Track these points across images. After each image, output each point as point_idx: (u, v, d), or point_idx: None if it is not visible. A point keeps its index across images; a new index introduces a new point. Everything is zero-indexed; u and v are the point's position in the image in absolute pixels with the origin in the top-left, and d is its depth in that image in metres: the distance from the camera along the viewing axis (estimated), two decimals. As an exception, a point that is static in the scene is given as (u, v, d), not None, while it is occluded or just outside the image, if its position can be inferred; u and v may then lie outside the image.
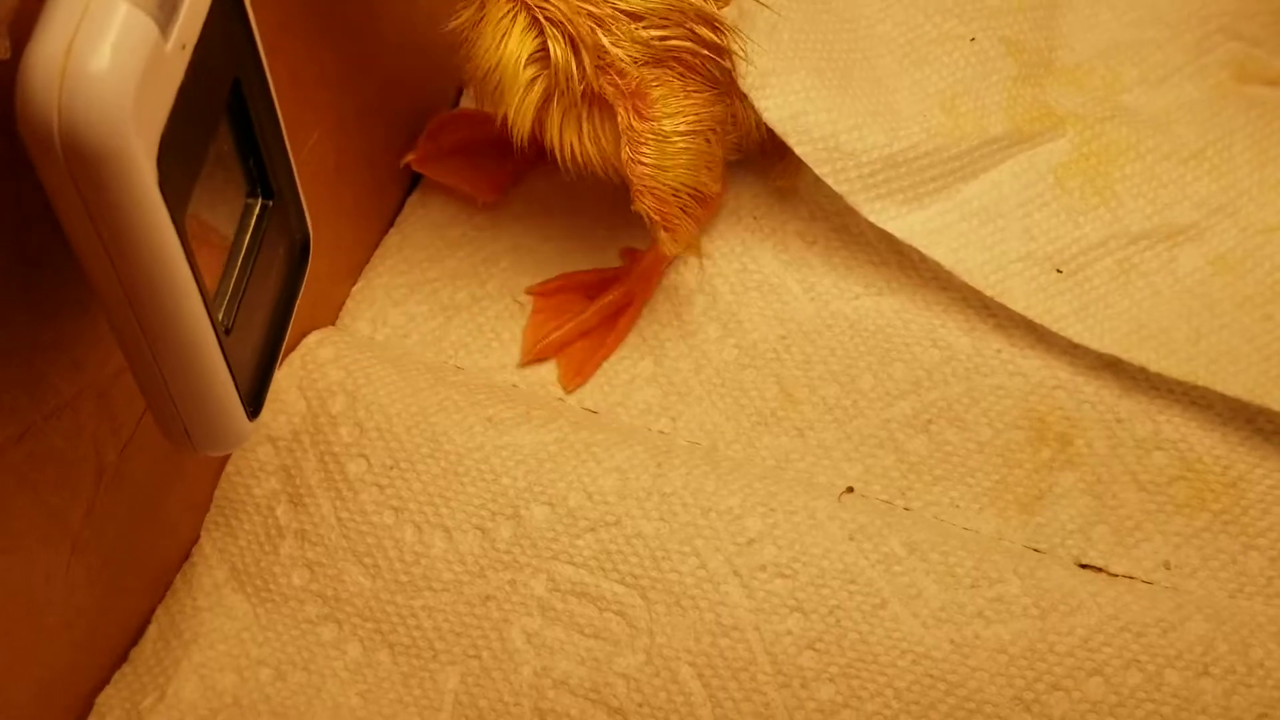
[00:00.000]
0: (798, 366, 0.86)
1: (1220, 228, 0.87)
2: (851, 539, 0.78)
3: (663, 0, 0.77)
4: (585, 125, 0.79)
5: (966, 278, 0.85)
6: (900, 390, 0.85)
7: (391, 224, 0.93)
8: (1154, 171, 0.88)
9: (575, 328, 0.87)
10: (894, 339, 0.86)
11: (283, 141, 0.62)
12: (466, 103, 0.97)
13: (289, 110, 0.72)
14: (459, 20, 0.77)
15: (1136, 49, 0.95)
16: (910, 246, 0.86)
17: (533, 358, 0.87)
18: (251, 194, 0.62)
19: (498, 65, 0.76)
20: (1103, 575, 0.79)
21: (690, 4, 0.78)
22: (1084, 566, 0.79)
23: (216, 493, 0.82)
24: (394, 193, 0.93)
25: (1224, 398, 0.82)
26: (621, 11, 0.76)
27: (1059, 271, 0.85)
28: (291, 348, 0.85)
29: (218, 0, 0.51)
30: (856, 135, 0.85)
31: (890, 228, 0.85)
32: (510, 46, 0.76)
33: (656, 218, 0.81)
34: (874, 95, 0.87)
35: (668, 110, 0.79)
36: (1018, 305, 0.84)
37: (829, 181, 0.85)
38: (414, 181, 0.94)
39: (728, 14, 0.81)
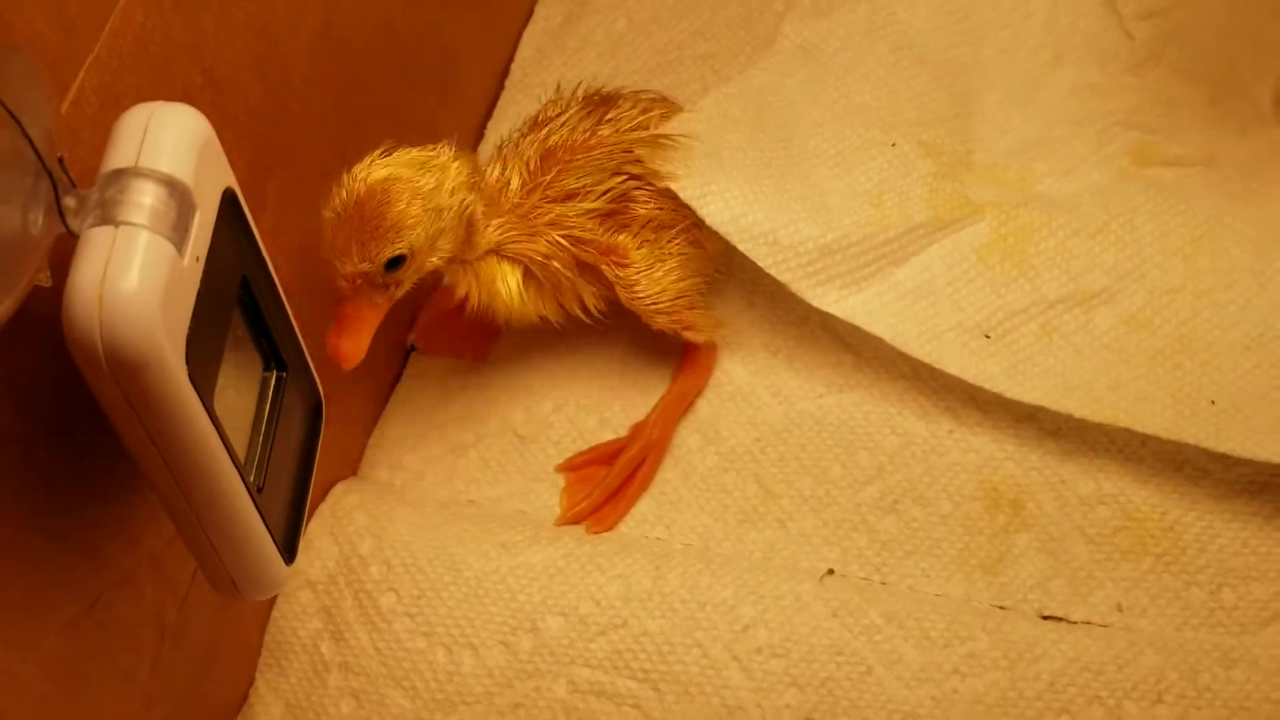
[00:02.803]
0: (773, 465, 0.94)
1: (1129, 291, 0.94)
2: (835, 615, 0.86)
3: (588, 165, 0.89)
4: (584, 292, 0.92)
5: (904, 348, 0.92)
6: (867, 476, 0.93)
7: (398, 378, 1.02)
8: (1066, 246, 0.96)
9: (602, 493, 0.95)
10: (856, 430, 0.94)
11: (290, 321, 0.71)
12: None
13: (295, 289, 0.81)
14: (460, 290, 0.90)
15: (1046, 145, 1.03)
16: (862, 345, 0.95)
17: (568, 521, 0.94)
18: (268, 368, 0.71)
19: (502, 303, 0.90)
20: (1063, 623, 0.86)
21: (610, 155, 0.90)
22: (1046, 618, 0.87)
23: (266, 637, 0.90)
24: (398, 351, 1.03)
25: (1155, 452, 0.90)
26: (561, 200, 0.89)
27: (987, 337, 0.93)
28: (320, 499, 0.94)
29: (222, 216, 0.60)
30: (793, 229, 0.92)
31: (832, 310, 0.93)
32: (508, 287, 0.90)
33: (675, 327, 0.93)
34: (807, 197, 0.94)
35: (638, 249, 0.90)
36: (952, 369, 0.92)
37: (772, 273, 0.92)
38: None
39: (666, 151, 0.91)
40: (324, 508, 0.93)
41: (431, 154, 0.83)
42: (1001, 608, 0.87)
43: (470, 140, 1.12)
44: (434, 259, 0.84)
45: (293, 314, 0.71)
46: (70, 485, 0.64)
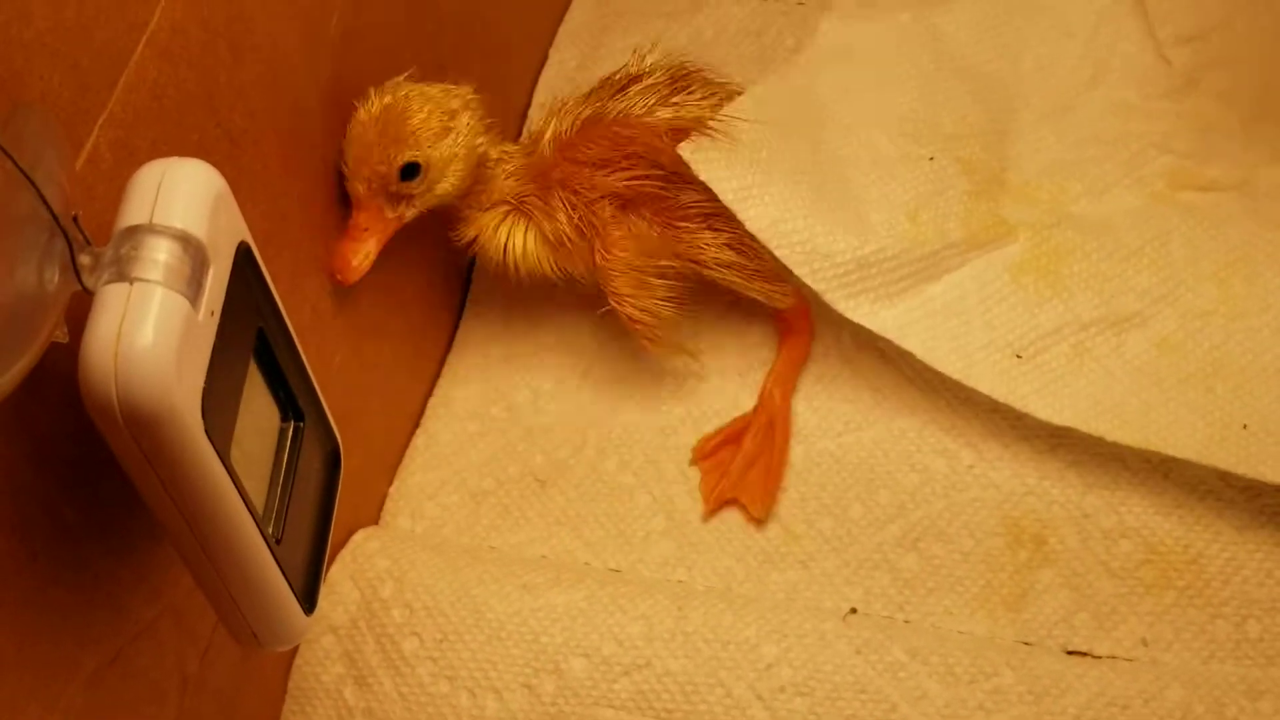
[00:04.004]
0: (794, 505, 0.94)
1: (1162, 314, 0.94)
2: (859, 653, 0.85)
3: (614, 143, 0.91)
4: (583, 261, 0.94)
5: (936, 365, 0.92)
6: (888, 514, 0.93)
7: (417, 424, 1.02)
8: (1099, 268, 0.96)
9: (740, 465, 0.95)
10: (876, 469, 0.94)
11: (305, 371, 0.71)
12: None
13: (313, 337, 0.82)
14: (466, 237, 0.94)
15: (1079, 166, 1.03)
16: (880, 382, 0.95)
17: (715, 507, 0.95)
18: (284, 418, 0.71)
19: (510, 255, 0.94)
20: (1088, 658, 0.86)
21: (647, 143, 0.91)
22: (1071, 653, 0.86)
23: (289, 684, 0.90)
24: (416, 397, 1.03)
25: (1178, 483, 0.90)
26: (585, 165, 0.92)
27: (1019, 357, 0.93)
28: (341, 545, 0.94)
29: (237, 269, 0.60)
30: (830, 239, 0.92)
31: (865, 323, 0.93)
32: (512, 239, 0.94)
33: (631, 326, 0.94)
34: (845, 205, 0.94)
35: (626, 250, 0.93)
36: (983, 387, 0.92)
37: (807, 281, 0.92)
38: (433, 384, 1.04)
39: (707, 147, 0.91)
40: (345, 553, 0.93)
41: (454, 88, 0.89)
42: (1026, 643, 0.87)
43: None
44: (445, 184, 0.89)
45: (308, 363, 0.71)
46: (91, 539, 0.64)
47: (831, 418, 0.97)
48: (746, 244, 0.93)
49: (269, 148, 0.77)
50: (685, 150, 0.91)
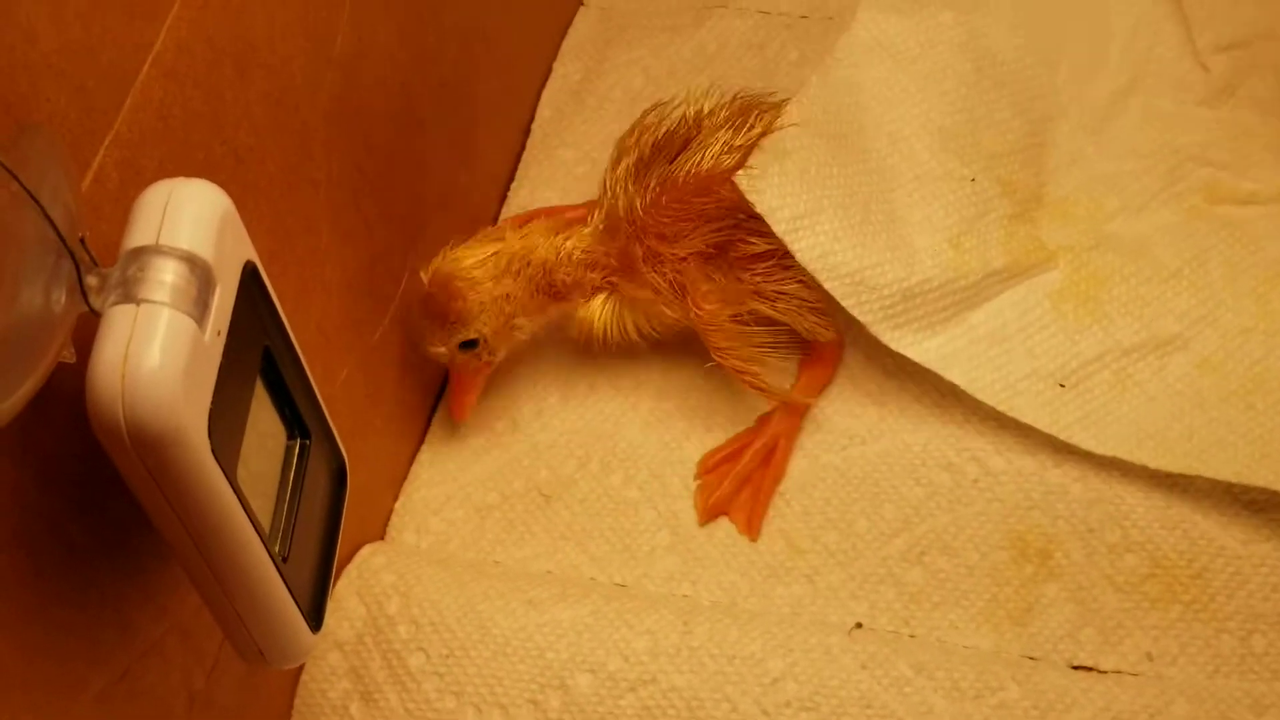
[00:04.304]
0: (799, 519, 0.94)
1: (1203, 335, 0.94)
2: (864, 668, 0.85)
3: (691, 210, 0.92)
4: (673, 315, 0.95)
5: (980, 396, 0.93)
6: (893, 528, 0.93)
7: (422, 440, 1.03)
8: (1139, 292, 0.96)
9: (734, 480, 0.96)
10: (881, 483, 0.94)
11: (311, 389, 0.71)
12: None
13: (318, 354, 0.82)
14: (573, 335, 0.98)
15: (1116, 180, 1.03)
16: (884, 396, 0.95)
17: (707, 518, 0.96)
18: (290, 436, 0.71)
19: (610, 336, 0.97)
20: (1094, 673, 0.86)
21: (721, 200, 0.92)
22: (1076, 668, 0.86)
23: (296, 700, 0.90)
24: (421, 412, 1.03)
25: (1182, 498, 0.90)
26: (666, 240, 0.93)
27: (1061, 386, 0.93)
28: (347, 560, 0.94)
29: (244, 288, 0.61)
30: (879, 271, 0.92)
31: (909, 353, 0.93)
32: (614, 326, 0.97)
33: (741, 381, 0.95)
34: (891, 230, 0.94)
35: (719, 301, 0.94)
36: (1027, 418, 0.92)
37: (855, 314, 0.92)
38: (437, 400, 1.04)
39: (760, 175, 0.91)
40: (350, 569, 0.94)
41: (495, 243, 0.93)
42: (1031, 658, 0.87)
43: (494, 201, 1.13)
44: (518, 334, 0.96)
45: (314, 380, 0.71)
46: (97, 558, 0.65)
47: (836, 432, 0.97)
48: (807, 278, 0.93)
49: (274, 166, 0.77)
50: (742, 182, 0.91)
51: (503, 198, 1.14)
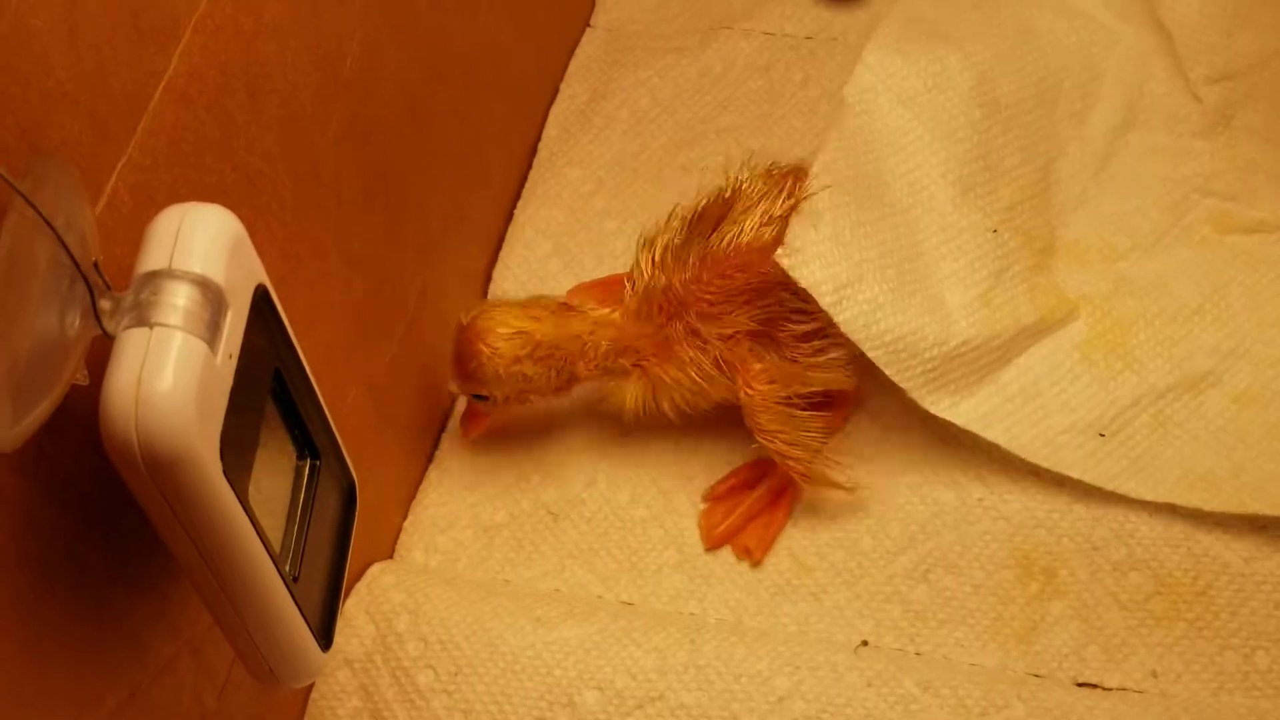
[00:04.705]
0: (804, 537, 0.95)
1: (1235, 369, 0.95)
2: (870, 685, 0.86)
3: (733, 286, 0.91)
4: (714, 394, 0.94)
5: (1022, 454, 0.93)
6: (898, 546, 0.93)
7: (430, 459, 1.03)
8: (1165, 333, 0.96)
9: (744, 513, 0.96)
10: (886, 501, 0.95)
11: (321, 410, 0.72)
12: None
13: (327, 376, 0.82)
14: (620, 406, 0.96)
15: (1124, 218, 1.04)
16: (889, 417, 0.96)
17: (713, 544, 0.96)
18: (300, 456, 0.72)
19: (648, 410, 0.95)
20: (1098, 690, 0.86)
21: (764, 274, 0.91)
22: (1081, 685, 0.87)
23: (306, 718, 0.91)
24: (430, 431, 1.04)
25: (1184, 516, 0.91)
26: (706, 319, 0.92)
27: (1102, 435, 0.93)
28: (356, 578, 0.94)
29: (255, 312, 0.61)
30: (918, 337, 0.92)
31: (947, 416, 0.93)
32: (649, 404, 0.95)
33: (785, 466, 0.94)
34: (926, 289, 0.94)
35: (769, 383, 0.92)
36: (1074, 472, 0.92)
37: (896, 380, 0.92)
38: (445, 420, 1.05)
39: (798, 248, 0.90)
40: (360, 586, 0.94)
41: (531, 322, 0.93)
42: (1036, 676, 0.88)
43: (501, 220, 1.14)
44: (530, 404, 0.97)
45: (324, 400, 0.72)
46: (111, 576, 0.65)
47: (841, 451, 0.97)
48: (844, 340, 0.92)
49: (285, 189, 0.78)
50: (783, 260, 0.89)
51: (509, 216, 1.14)
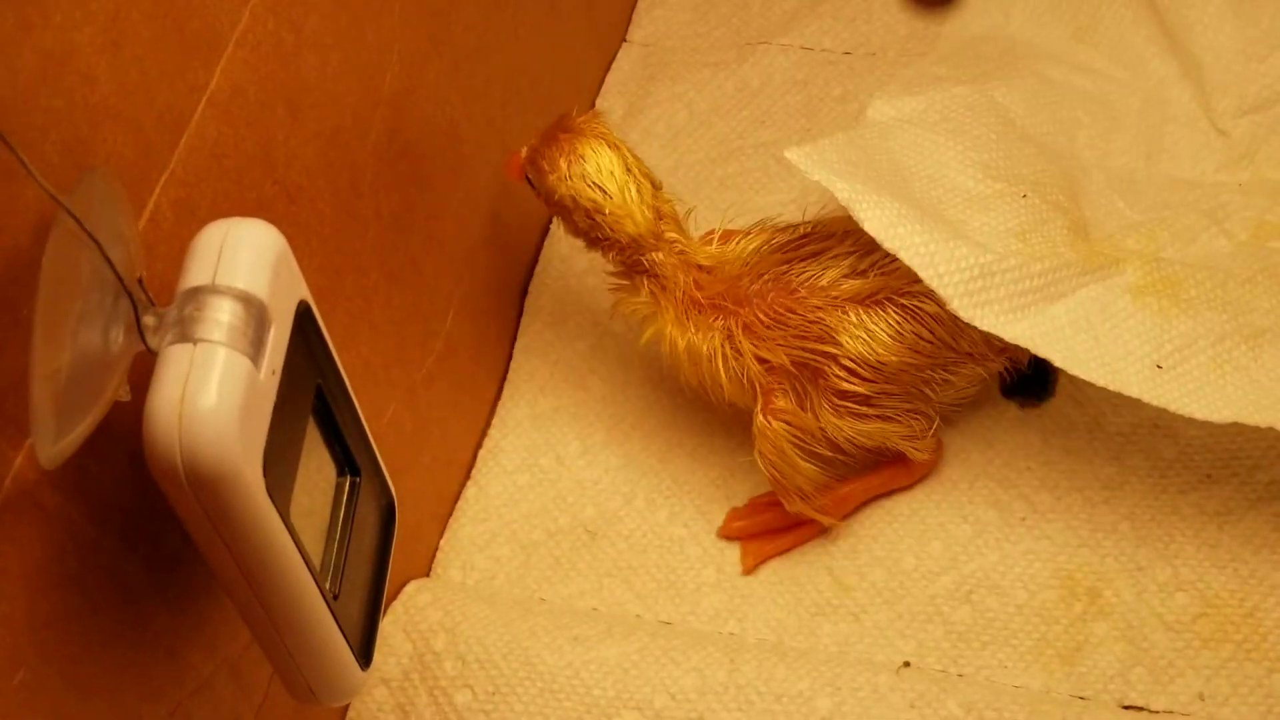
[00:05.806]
0: (845, 556, 0.94)
1: None
2: (913, 706, 0.85)
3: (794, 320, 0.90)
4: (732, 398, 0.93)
5: (1078, 373, 0.86)
6: (940, 566, 0.92)
7: (468, 477, 1.03)
8: (1219, 292, 0.91)
9: (763, 523, 0.96)
10: (928, 520, 0.94)
11: (362, 426, 0.71)
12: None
13: (366, 391, 0.82)
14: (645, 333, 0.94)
15: (1162, 221, 1.00)
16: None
17: (724, 533, 0.96)
18: (341, 473, 0.72)
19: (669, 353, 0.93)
20: (1145, 713, 0.85)
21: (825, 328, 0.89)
22: (1127, 708, 0.86)
23: (342, 737, 0.91)
24: (467, 448, 1.03)
25: (1231, 535, 0.89)
26: (748, 332, 0.90)
27: (1159, 367, 0.88)
28: (394, 597, 0.94)
29: (298, 327, 0.61)
30: (949, 248, 0.87)
31: (998, 331, 0.87)
32: (674, 346, 0.92)
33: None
34: (951, 228, 0.90)
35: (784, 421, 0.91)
36: (1133, 392, 0.86)
37: (933, 286, 0.86)
38: (482, 436, 1.04)
39: (816, 154, 0.89)
40: (397, 605, 0.94)
41: (622, 186, 0.90)
42: (1081, 698, 0.86)
43: (537, 235, 1.13)
44: (577, 221, 0.92)
45: (364, 417, 0.71)
46: (151, 595, 0.65)
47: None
48: (893, 415, 0.91)
49: (324, 205, 0.78)
50: (794, 153, 0.89)
51: (545, 231, 1.14)
